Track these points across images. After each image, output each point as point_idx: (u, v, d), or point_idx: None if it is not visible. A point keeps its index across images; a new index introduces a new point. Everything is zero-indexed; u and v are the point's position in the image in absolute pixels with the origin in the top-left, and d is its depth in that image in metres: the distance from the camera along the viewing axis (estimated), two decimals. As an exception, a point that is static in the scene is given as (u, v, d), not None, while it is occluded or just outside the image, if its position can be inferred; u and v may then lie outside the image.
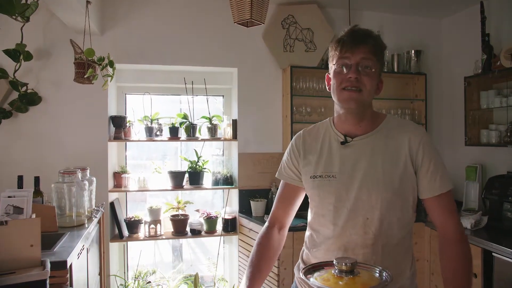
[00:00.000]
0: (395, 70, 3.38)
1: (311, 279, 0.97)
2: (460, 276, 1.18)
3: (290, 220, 1.44)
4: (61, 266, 1.55)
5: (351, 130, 1.29)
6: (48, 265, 1.40)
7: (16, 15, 2.04)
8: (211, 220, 3.16)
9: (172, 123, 3.13)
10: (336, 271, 0.96)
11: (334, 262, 0.97)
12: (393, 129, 1.28)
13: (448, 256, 1.21)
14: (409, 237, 1.30)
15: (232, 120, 3.25)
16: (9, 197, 1.65)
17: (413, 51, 3.41)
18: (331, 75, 1.29)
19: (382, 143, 1.26)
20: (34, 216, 1.69)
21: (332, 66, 1.28)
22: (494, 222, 2.63)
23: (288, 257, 2.62)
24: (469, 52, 3.23)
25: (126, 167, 3.24)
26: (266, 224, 1.43)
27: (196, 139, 3.16)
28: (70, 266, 1.65)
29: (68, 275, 1.61)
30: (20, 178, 2.15)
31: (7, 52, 2.54)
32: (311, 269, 1.04)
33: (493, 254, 2.28)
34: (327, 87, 1.34)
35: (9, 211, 1.61)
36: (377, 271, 0.99)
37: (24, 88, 2.74)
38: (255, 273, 1.30)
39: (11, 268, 1.36)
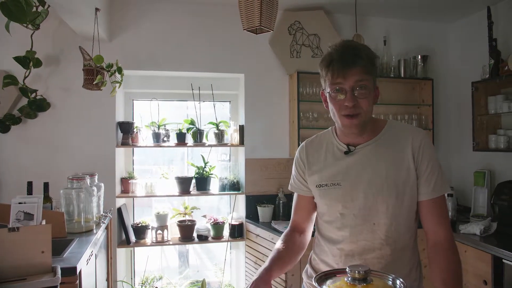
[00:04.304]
0: (402, 75, 3.37)
1: (324, 287, 0.97)
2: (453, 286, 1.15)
3: (310, 225, 1.45)
4: (71, 272, 1.55)
5: (353, 140, 1.31)
6: (59, 272, 1.40)
7: (27, 23, 2.07)
8: (218, 226, 3.15)
9: (179, 129, 3.14)
10: (349, 279, 0.95)
11: (347, 270, 0.96)
12: (395, 134, 1.30)
13: (440, 266, 1.19)
14: (413, 239, 1.31)
15: (239, 125, 3.26)
16: (19, 203, 1.66)
17: (419, 56, 3.40)
18: (326, 97, 1.27)
19: (385, 149, 1.27)
20: (44, 222, 1.71)
21: (326, 89, 1.26)
22: (503, 228, 2.61)
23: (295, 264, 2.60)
24: (476, 57, 3.22)
25: (133, 172, 3.25)
26: (288, 228, 1.46)
27: (203, 145, 3.17)
28: (80, 272, 1.65)
29: (78, 281, 1.61)
30: (30, 184, 2.16)
31: (17, 59, 2.58)
32: (323, 277, 1.03)
33: (503, 260, 2.26)
34: (324, 105, 1.31)
35: (20, 217, 1.62)
36: (390, 279, 0.98)
37: (33, 95, 2.78)
38: (276, 258, 1.30)
39: (22, 275, 1.37)
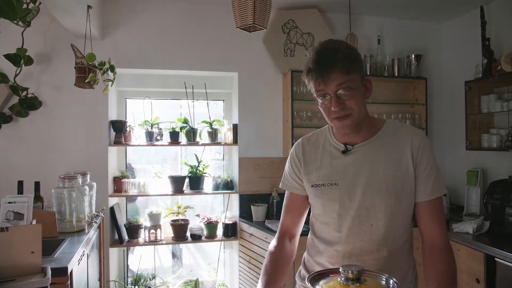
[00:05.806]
0: (396, 74, 3.38)
1: (317, 287, 0.96)
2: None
3: (299, 229, 1.43)
4: (61, 273, 1.54)
5: (350, 140, 1.29)
6: (49, 272, 1.38)
7: (18, 20, 2.04)
8: (211, 225, 3.14)
9: (173, 128, 3.12)
10: (343, 279, 0.95)
11: (340, 270, 0.96)
12: (394, 134, 1.28)
13: (435, 268, 1.18)
14: (410, 240, 1.30)
15: (233, 124, 3.25)
16: (9, 203, 1.64)
17: (413, 56, 3.41)
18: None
19: (383, 149, 1.26)
20: (34, 222, 1.68)
21: (313, 95, 1.24)
22: (496, 227, 2.62)
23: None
24: (469, 56, 3.24)
25: (126, 171, 3.23)
26: (277, 234, 1.42)
27: (197, 144, 3.15)
28: (71, 272, 1.64)
29: (69, 281, 1.60)
30: (20, 184, 2.14)
31: (7, 56, 2.54)
32: (316, 277, 1.02)
33: (496, 259, 2.27)
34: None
35: (9, 217, 1.60)
36: (384, 279, 0.98)
37: (24, 93, 2.74)
38: (270, 281, 1.27)
39: (12, 275, 1.35)
